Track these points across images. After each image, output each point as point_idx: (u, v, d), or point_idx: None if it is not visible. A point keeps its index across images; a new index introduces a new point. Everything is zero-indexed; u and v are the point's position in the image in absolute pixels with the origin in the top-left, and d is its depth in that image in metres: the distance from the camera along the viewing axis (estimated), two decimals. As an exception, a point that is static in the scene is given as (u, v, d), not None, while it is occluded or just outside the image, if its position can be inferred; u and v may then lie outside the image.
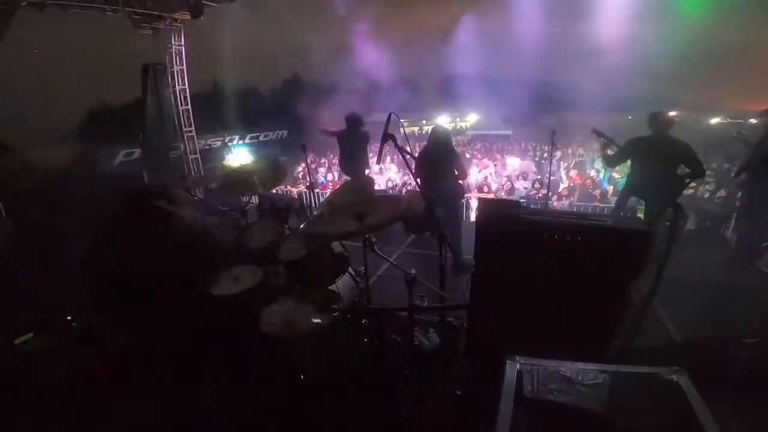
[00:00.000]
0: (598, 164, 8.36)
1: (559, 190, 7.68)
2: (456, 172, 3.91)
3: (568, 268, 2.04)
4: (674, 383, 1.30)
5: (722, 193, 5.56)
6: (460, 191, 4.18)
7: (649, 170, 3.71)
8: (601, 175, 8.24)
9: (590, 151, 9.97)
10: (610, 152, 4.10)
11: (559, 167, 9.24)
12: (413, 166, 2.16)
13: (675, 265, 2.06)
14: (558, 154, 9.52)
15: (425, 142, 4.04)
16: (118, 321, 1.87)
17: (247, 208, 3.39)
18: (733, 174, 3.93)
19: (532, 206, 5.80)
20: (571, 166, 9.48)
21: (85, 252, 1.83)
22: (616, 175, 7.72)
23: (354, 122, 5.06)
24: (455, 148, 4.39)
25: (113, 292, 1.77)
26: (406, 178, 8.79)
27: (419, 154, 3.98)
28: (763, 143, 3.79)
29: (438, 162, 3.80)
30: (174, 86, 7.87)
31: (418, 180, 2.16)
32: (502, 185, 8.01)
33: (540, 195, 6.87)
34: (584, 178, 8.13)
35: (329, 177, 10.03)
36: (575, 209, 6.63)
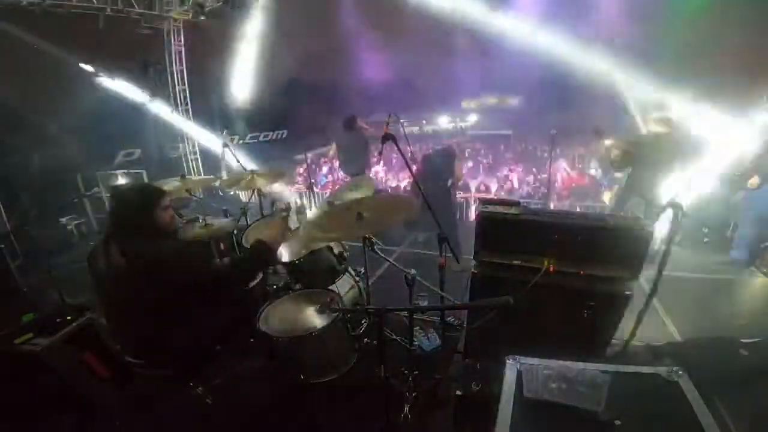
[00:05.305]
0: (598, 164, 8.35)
1: (559, 190, 7.68)
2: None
3: (568, 268, 2.04)
4: (674, 383, 1.30)
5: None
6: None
7: (649, 170, 3.71)
8: (600, 176, 8.22)
9: (591, 151, 9.97)
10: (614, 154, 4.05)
11: (559, 167, 9.22)
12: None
13: (675, 265, 2.06)
14: (558, 153, 9.52)
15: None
16: (118, 321, 1.87)
17: (247, 208, 3.38)
18: (737, 175, 3.91)
19: (532, 206, 5.80)
20: (572, 166, 9.48)
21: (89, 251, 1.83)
22: (618, 175, 7.71)
23: (349, 124, 5.05)
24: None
25: (113, 291, 1.76)
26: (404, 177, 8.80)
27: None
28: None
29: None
30: (174, 86, 7.87)
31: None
32: (502, 185, 8.02)
33: (540, 195, 6.88)
34: (584, 178, 8.13)
35: (329, 177, 10.04)
36: (575, 209, 6.63)
